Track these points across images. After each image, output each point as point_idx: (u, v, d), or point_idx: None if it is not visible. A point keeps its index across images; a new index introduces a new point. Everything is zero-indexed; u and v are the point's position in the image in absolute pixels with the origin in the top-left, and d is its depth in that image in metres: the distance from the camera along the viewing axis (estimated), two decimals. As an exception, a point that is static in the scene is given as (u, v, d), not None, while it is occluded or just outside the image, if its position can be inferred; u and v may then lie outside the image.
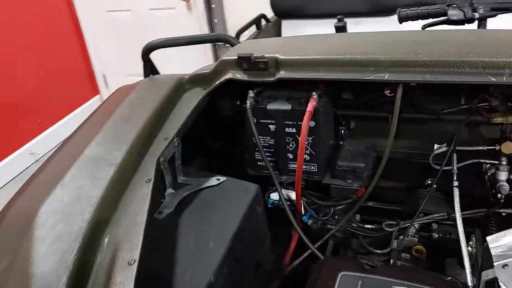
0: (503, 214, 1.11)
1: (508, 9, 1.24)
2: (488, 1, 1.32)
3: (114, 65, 4.09)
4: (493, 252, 0.86)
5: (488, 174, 1.14)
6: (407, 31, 1.26)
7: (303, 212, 1.17)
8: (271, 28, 2.17)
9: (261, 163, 1.18)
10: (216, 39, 1.40)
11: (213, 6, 3.46)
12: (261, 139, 1.13)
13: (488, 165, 1.14)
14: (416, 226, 1.19)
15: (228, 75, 1.09)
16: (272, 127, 1.12)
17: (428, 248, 1.18)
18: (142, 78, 1.31)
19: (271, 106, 1.09)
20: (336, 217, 1.23)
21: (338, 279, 0.83)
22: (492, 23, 1.31)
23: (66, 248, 0.72)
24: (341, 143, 1.24)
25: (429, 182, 1.23)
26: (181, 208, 0.96)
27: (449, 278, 0.86)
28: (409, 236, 1.18)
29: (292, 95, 1.10)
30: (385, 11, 1.92)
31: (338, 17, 1.43)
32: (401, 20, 1.36)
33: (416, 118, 1.19)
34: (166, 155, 0.98)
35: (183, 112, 1.08)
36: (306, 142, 1.08)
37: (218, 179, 1.04)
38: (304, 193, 1.15)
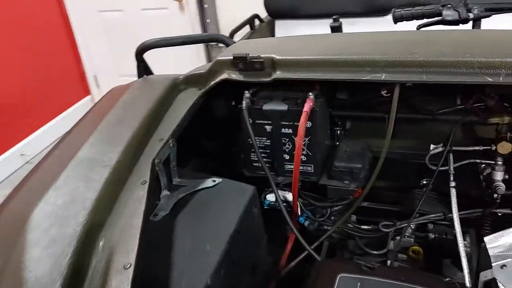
0: (499, 214, 1.12)
1: (502, 10, 1.24)
2: (482, 1, 1.32)
3: (106, 66, 4.06)
4: (491, 252, 0.86)
5: (484, 174, 1.15)
6: (402, 31, 1.26)
7: (299, 213, 1.16)
8: (264, 28, 2.17)
9: (257, 164, 1.17)
10: (211, 39, 1.39)
11: (205, 6, 3.45)
12: (256, 140, 1.12)
13: (484, 165, 1.14)
14: (413, 226, 1.18)
15: (224, 75, 1.08)
16: (268, 127, 1.11)
17: (424, 248, 1.18)
18: (134, 78, 1.29)
19: (267, 107, 1.09)
20: (333, 218, 1.22)
21: (337, 281, 0.82)
22: (486, 24, 1.31)
23: (60, 252, 0.70)
24: (337, 143, 1.24)
25: (424, 182, 1.23)
26: (177, 210, 0.95)
27: (447, 279, 0.85)
28: (406, 236, 1.17)
29: (288, 95, 1.09)
30: (379, 12, 1.92)
31: (334, 17, 1.43)
32: (396, 20, 1.35)
33: (412, 119, 1.19)
34: (161, 156, 0.96)
35: (178, 113, 1.07)
36: (303, 143, 1.08)
37: (214, 181, 1.03)
38: (300, 194, 1.15)
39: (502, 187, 1.07)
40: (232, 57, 1.06)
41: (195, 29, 3.54)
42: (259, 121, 1.11)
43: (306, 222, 1.18)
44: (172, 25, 3.58)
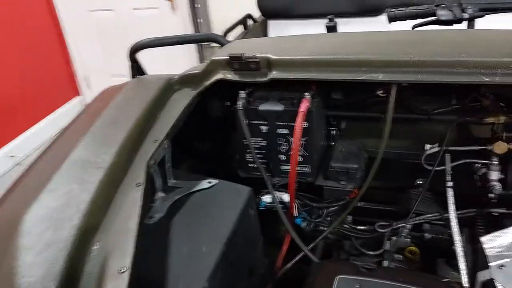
0: (495, 214, 1.12)
1: (496, 9, 1.25)
2: (476, 1, 1.32)
3: (97, 66, 4.03)
4: (488, 252, 0.86)
5: (478, 174, 1.15)
6: (397, 31, 1.25)
7: (296, 214, 1.16)
8: (258, 28, 2.16)
9: (252, 165, 1.16)
10: (206, 38, 1.38)
11: (197, 6, 3.44)
12: (252, 141, 1.11)
13: (479, 165, 1.14)
14: (409, 226, 1.18)
15: (219, 75, 1.07)
16: (263, 128, 1.10)
17: (420, 248, 1.18)
18: (126, 79, 1.27)
19: (263, 107, 1.07)
20: (328, 218, 1.22)
21: (335, 282, 0.81)
22: (480, 23, 1.31)
23: (54, 257, 0.69)
24: (332, 144, 1.23)
25: (419, 182, 1.23)
26: (173, 212, 0.94)
27: (446, 279, 0.85)
28: (402, 237, 1.17)
29: (284, 95, 1.08)
30: (372, 12, 1.93)
31: (329, 17, 1.42)
32: (390, 20, 1.35)
33: (407, 118, 1.19)
34: (156, 157, 0.95)
35: (173, 114, 1.06)
36: (299, 144, 1.07)
37: (210, 182, 1.02)
38: (296, 195, 1.14)
39: (498, 186, 1.07)
40: (227, 57, 1.05)
41: (187, 29, 3.52)
42: (255, 122, 1.10)
43: (303, 224, 1.17)
44: (163, 25, 3.56)
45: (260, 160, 1.10)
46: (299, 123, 1.00)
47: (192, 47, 3.60)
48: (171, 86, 1.14)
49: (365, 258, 1.17)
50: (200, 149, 1.30)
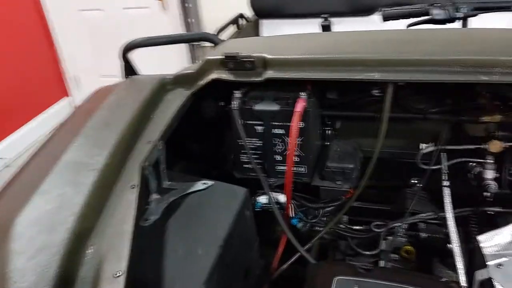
0: (490, 213, 1.12)
1: (489, 9, 1.25)
2: (469, 0, 1.33)
3: (86, 66, 3.99)
4: (485, 251, 0.86)
5: (473, 172, 1.15)
6: (393, 30, 1.25)
7: (292, 215, 1.15)
8: (250, 27, 2.15)
9: (247, 166, 1.15)
10: (199, 38, 1.36)
11: (188, 5, 3.41)
12: (247, 141, 1.10)
13: (473, 163, 1.14)
14: (405, 226, 1.18)
15: (213, 75, 1.06)
16: (259, 128, 1.09)
17: (416, 247, 1.18)
18: (116, 79, 1.25)
19: (258, 107, 1.06)
20: (324, 218, 1.21)
21: (334, 284, 0.81)
22: (473, 22, 1.32)
23: (46, 262, 0.67)
24: (327, 143, 1.22)
25: (414, 181, 1.23)
26: (168, 214, 0.92)
27: (444, 279, 0.85)
28: (398, 236, 1.17)
29: (279, 95, 1.07)
30: (365, 11, 1.92)
31: (323, 16, 1.42)
32: (384, 19, 1.35)
33: (403, 118, 1.18)
34: (150, 159, 0.93)
35: (167, 114, 1.04)
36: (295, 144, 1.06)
37: (205, 183, 1.00)
38: (292, 195, 1.13)
39: (493, 185, 1.07)
40: (222, 57, 1.04)
41: (178, 29, 3.50)
42: (250, 122, 1.09)
43: (300, 224, 1.16)
44: (154, 24, 3.54)
45: (255, 161, 1.09)
46: (296, 123, 0.99)
47: (184, 47, 3.57)
48: (164, 86, 1.12)
49: (361, 258, 1.16)
50: (194, 150, 1.28)
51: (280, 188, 1.12)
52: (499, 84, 0.86)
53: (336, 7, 1.94)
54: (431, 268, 1.15)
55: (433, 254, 1.16)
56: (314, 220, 1.18)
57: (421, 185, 1.16)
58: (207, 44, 1.29)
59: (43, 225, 0.73)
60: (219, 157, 1.28)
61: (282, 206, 1.12)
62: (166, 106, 1.07)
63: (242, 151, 1.13)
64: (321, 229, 1.17)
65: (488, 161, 1.09)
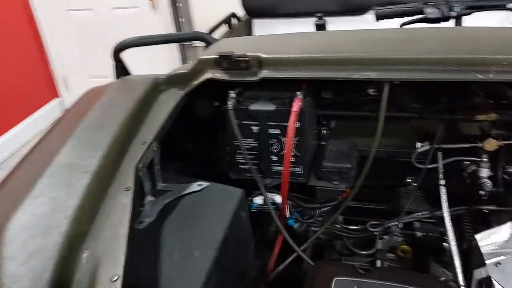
0: (485, 211, 1.12)
1: (483, 7, 1.26)
2: (463, -1, 1.33)
3: (76, 67, 3.94)
4: (483, 250, 0.86)
5: (468, 171, 1.15)
6: (387, 29, 1.25)
7: (288, 216, 1.14)
8: (242, 27, 2.13)
9: (243, 166, 1.14)
10: (193, 37, 1.34)
11: (179, 5, 3.39)
12: (243, 141, 1.08)
13: (468, 162, 1.14)
14: (400, 225, 1.18)
15: (208, 75, 1.04)
16: (254, 128, 1.08)
17: (411, 246, 1.18)
18: (105, 79, 1.24)
19: (254, 107, 1.05)
20: (320, 218, 1.20)
21: (333, 284, 0.80)
22: (467, 21, 1.32)
23: (40, 266, 0.65)
24: (323, 143, 1.22)
25: (409, 180, 1.23)
26: (163, 216, 0.90)
27: (443, 278, 0.84)
28: (394, 235, 1.16)
29: (275, 95, 1.06)
30: (357, 10, 1.93)
31: (318, 15, 1.41)
32: (378, 18, 1.35)
33: (398, 117, 1.18)
34: (145, 160, 0.92)
35: (161, 115, 1.03)
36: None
37: (200, 185, 0.99)
38: (288, 196, 1.12)
39: (488, 183, 1.07)
40: (216, 56, 1.02)
41: (168, 29, 3.47)
42: (245, 122, 1.07)
43: (296, 225, 1.15)
44: (144, 24, 3.51)
45: (251, 161, 1.08)
46: (292, 123, 0.98)
47: (174, 47, 3.55)
48: (157, 86, 1.11)
49: (357, 258, 1.16)
50: (188, 151, 1.27)
51: (276, 189, 1.11)
52: (495, 82, 0.86)
53: (329, 6, 1.94)
54: (427, 267, 1.15)
55: (429, 253, 1.16)
56: (310, 221, 1.17)
57: (417, 184, 1.15)
58: (198, 44, 1.28)
59: (36, 229, 0.71)
60: (213, 158, 1.27)
61: (278, 207, 1.11)
62: (159, 106, 1.06)
63: (238, 151, 1.11)
64: (317, 229, 1.16)
65: (483, 159, 1.09)
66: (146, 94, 1.07)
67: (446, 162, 1.11)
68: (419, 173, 1.13)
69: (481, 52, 0.87)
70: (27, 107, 3.71)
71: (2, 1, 3.45)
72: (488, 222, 1.11)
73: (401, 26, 1.31)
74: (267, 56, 0.99)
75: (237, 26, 2.11)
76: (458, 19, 1.28)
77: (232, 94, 1.06)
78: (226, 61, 1.01)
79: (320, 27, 1.42)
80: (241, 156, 1.12)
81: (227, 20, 2.06)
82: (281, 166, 1.06)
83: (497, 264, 0.82)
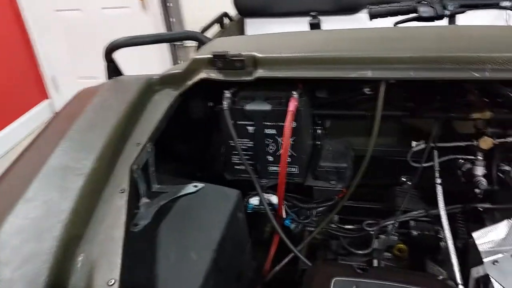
0: (480, 209, 1.12)
1: (477, 6, 1.26)
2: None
3: (65, 68, 3.90)
4: (480, 248, 0.86)
5: (463, 169, 1.15)
6: (382, 27, 1.24)
7: (284, 216, 1.13)
8: (234, 26, 2.12)
9: (239, 167, 1.13)
10: (186, 36, 1.33)
11: (169, 4, 3.37)
12: (238, 142, 1.07)
13: (463, 160, 1.14)
14: (396, 224, 1.18)
15: (202, 75, 1.03)
16: (250, 128, 1.07)
17: (408, 246, 1.17)
18: (95, 80, 1.22)
19: (249, 107, 1.04)
20: (315, 218, 1.20)
21: (332, 285, 0.79)
22: (461, 20, 1.33)
23: (34, 271, 0.64)
24: (318, 143, 1.21)
25: (404, 179, 1.23)
26: (159, 218, 0.89)
27: (441, 277, 0.84)
28: (390, 235, 1.16)
29: (270, 95, 1.05)
30: (348, 10, 1.93)
31: (312, 14, 1.41)
32: (372, 17, 1.35)
33: (393, 116, 1.18)
34: (139, 162, 0.90)
35: (155, 115, 1.01)
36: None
37: (196, 186, 0.98)
38: (285, 196, 1.11)
39: (483, 182, 1.07)
40: (210, 56, 1.01)
41: (159, 29, 3.45)
42: (241, 122, 1.06)
43: (292, 225, 1.15)
44: (134, 24, 3.48)
45: (247, 162, 1.07)
46: (289, 123, 0.98)
47: (164, 47, 3.52)
48: (151, 86, 1.09)
49: (354, 258, 1.16)
50: (182, 151, 1.25)
51: (272, 189, 1.10)
52: (490, 80, 0.86)
53: (321, 5, 1.94)
54: (423, 265, 1.15)
55: (425, 251, 1.16)
56: (306, 221, 1.16)
57: (413, 183, 1.15)
58: (189, 44, 1.26)
59: (29, 233, 0.69)
60: (208, 158, 1.25)
61: (274, 208, 1.10)
62: (153, 107, 1.04)
63: (233, 152, 1.10)
64: (313, 229, 1.16)
65: (478, 157, 1.09)
66: (140, 94, 1.06)
67: (441, 160, 1.11)
68: (415, 172, 1.13)
69: (476, 50, 0.87)
70: (16, 109, 3.67)
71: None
72: (481, 220, 1.11)
73: (394, 25, 1.31)
74: (262, 55, 0.98)
75: (229, 26, 2.10)
76: (451, 18, 1.28)
77: (227, 94, 1.05)
78: (220, 60, 1.00)
79: (315, 26, 1.42)
80: (236, 156, 1.11)
81: (219, 20, 2.04)
82: (277, 166, 1.06)
83: (494, 262, 0.82)
